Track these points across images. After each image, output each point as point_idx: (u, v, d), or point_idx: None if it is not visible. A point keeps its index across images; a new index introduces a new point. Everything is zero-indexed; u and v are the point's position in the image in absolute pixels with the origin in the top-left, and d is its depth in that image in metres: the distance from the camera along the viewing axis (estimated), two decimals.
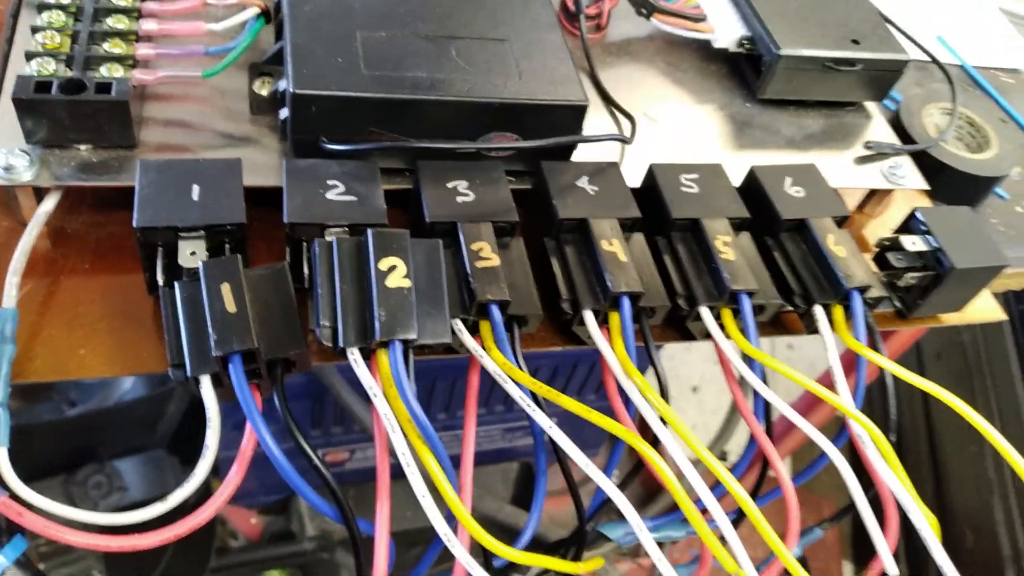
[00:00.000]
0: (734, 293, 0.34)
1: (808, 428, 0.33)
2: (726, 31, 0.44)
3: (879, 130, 0.45)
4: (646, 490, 1.13)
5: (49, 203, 0.33)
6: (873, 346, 0.36)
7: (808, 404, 0.85)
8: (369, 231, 0.29)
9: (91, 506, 0.80)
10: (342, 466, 0.98)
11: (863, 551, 1.18)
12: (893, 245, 0.39)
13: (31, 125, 0.32)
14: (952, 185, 0.46)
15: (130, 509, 0.28)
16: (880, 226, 0.45)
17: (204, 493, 0.28)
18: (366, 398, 0.67)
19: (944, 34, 0.60)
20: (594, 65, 0.43)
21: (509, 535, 0.30)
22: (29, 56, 0.34)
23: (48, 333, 0.32)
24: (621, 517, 0.34)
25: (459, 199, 0.34)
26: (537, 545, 0.33)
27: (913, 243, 0.38)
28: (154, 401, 0.84)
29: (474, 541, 0.29)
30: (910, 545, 0.99)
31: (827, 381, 0.35)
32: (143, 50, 0.36)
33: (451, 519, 0.29)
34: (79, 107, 0.32)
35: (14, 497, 0.27)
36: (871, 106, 0.47)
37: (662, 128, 0.42)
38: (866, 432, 0.33)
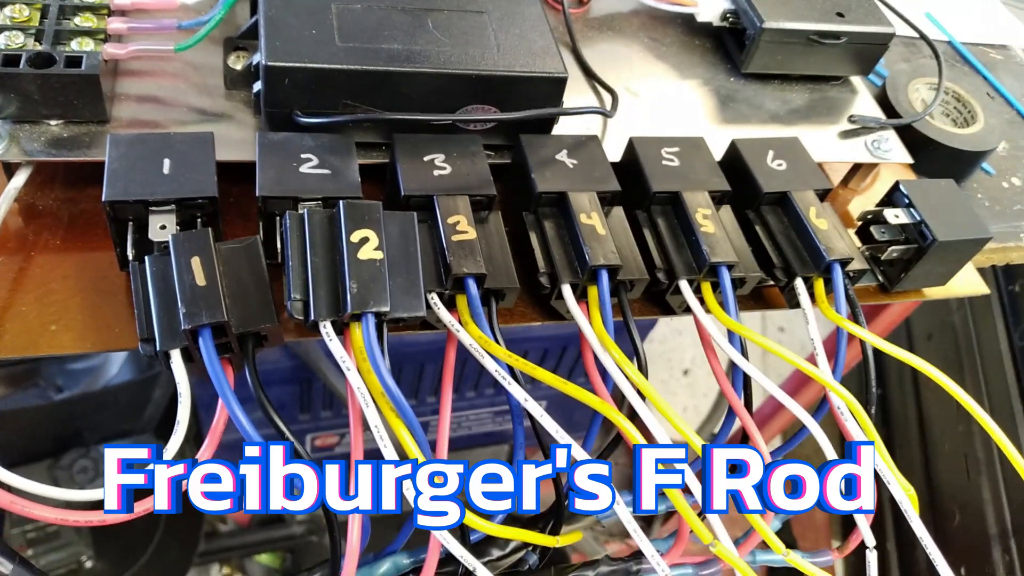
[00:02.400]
0: (713, 266, 0.33)
1: (785, 398, 0.33)
2: (710, 5, 0.44)
3: (864, 104, 0.45)
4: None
5: (19, 179, 0.33)
6: (854, 319, 0.35)
7: (796, 384, 0.85)
8: (341, 202, 0.29)
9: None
10: (331, 450, 0.98)
11: (852, 528, 1.18)
12: (876, 218, 0.39)
13: (0, 100, 0.32)
14: (938, 160, 0.46)
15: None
16: (865, 201, 0.45)
17: None
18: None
19: (932, 10, 0.59)
20: (576, 39, 0.43)
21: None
22: None
23: (18, 309, 0.31)
24: None
25: (436, 172, 0.33)
26: (516, 520, 0.32)
27: (896, 216, 0.38)
28: (141, 386, 0.84)
29: None
30: (899, 526, 0.99)
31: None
32: (115, 24, 0.35)
33: None
34: (49, 81, 0.32)
35: None
36: (856, 81, 0.46)
37: (644, 102, 0.41)
38: (845, 405, 0.33)
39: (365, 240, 0.29)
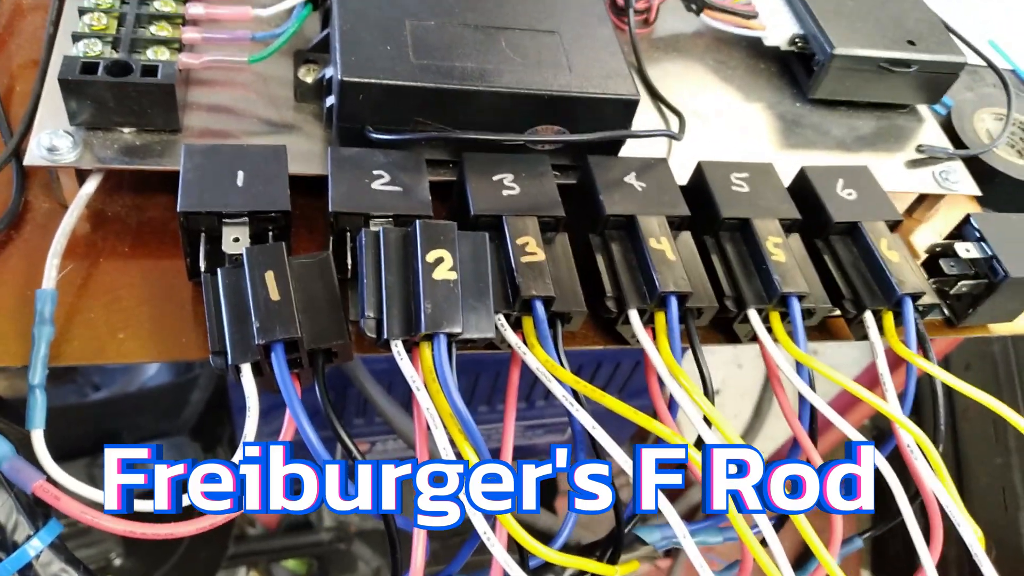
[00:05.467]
0: (784, 296, 0.33)
1: (856, 436, 0.32)
2: (778, 29, 0.43)
3: (931, 134, 0.44)
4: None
5: (91, 185, 0.33)
6: (924, 355, 0.35)
7: (839, 409, 0.84)
8: (417, 222, 0.29)
9: None
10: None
11: (881, 560, 1.17)
12: (945, 252, 0.38)
13: (75, 106, 0.32)
14: (1004, 192, 0.45)
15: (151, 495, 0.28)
16: (928, 232, 0.44)
17: None
18: (388, 391, 0.66)
19: (995, 38, 0.58)
20: (642, 60, 0.42)
21: (530, 533, 0.30)
22: (76, 37, 0.34)
23: (87, 316, 0.32)
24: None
25: (504, 192, 0.33)
26: (566, 547, 0.32)
27: (967, 250, 0.37)
28: (179, 388, 0.84)
29: (510, 539, 0.29)
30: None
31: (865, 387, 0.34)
32: (189, 34, 0.35)
33: (489, 516, 0.28)
34: (124, 89, 0.32)
35: (51, 480, 0.27)
36: (923, 109, 0.46)
37: (710, 125, 0.41)
38: (915, 442, 0.32)
39: (440, 260, 0.28)
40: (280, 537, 1.01)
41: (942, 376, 0.34)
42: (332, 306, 0.29)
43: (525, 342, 0.31)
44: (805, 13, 0.43)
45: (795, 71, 0.44)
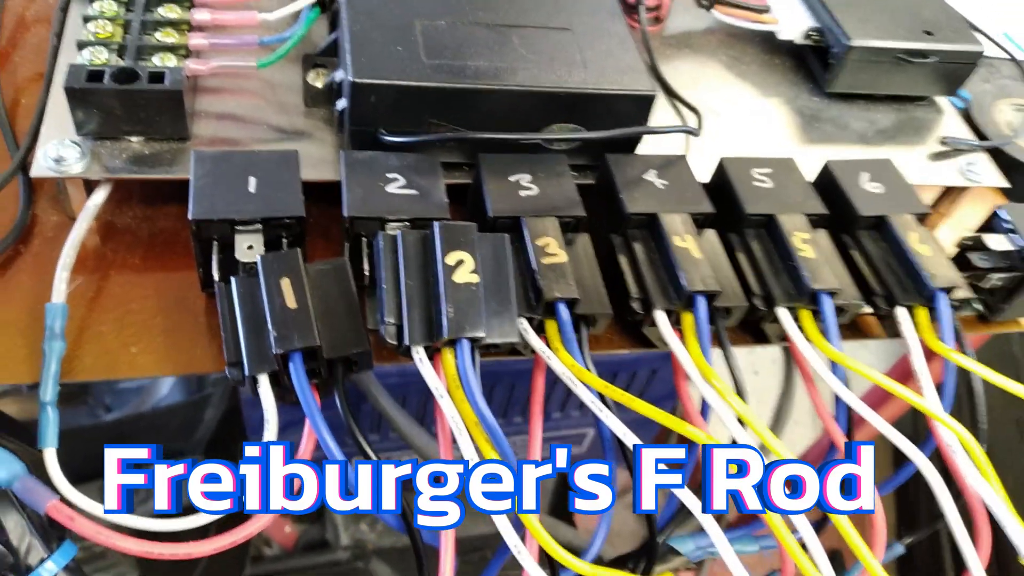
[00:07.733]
0: (814, 293, 0.32)
1: (896, 436, 0.31)
2: (792, 22, 0.42)
3: (952, 125, 0.43)
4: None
5: (99, 196, 0.32)
6: (960, 350, 0.33)
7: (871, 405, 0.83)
8: (435, 224, 0.28)
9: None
10: None
11: (909, 571, 1.15)
12: (976, 245, 0.37)
13: (82, 116, 0.31)
14: None
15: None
16: (951, 227, 0.43)
17: None
18: (403, 405, 0.65)
19: (1009, 29, 0.57)
20: (655, 58, 0.42)
21: None
22: (81, 45, 0.33)
23: (98, 330, 0.31)
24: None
25: (522, 193, 0.32)
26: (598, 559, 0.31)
27: (998, 242, 0.36)
28: (191, 407, 0.84)
29: (541, 552, 0.27)
30: (958, 560, 0.95)
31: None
32: (195, 40, 0.35)
33: (519, 526, 0.27)
34: (132, 97, 0.31)
35: (64, 501, 0.26)
36: (942, 101, 0.45)
37: (727, 122, 0.40)
38: (957, 440, 0.31)
39: (460, 263, 0.28)
40: (297, 557, 1.00)
41: (981, 372, 0.33)
42: (351, 313, 0.28)
43: (550, 346, 0.30)
44: (819, 5, 0.42)
45: (811, 65, 0.43)
